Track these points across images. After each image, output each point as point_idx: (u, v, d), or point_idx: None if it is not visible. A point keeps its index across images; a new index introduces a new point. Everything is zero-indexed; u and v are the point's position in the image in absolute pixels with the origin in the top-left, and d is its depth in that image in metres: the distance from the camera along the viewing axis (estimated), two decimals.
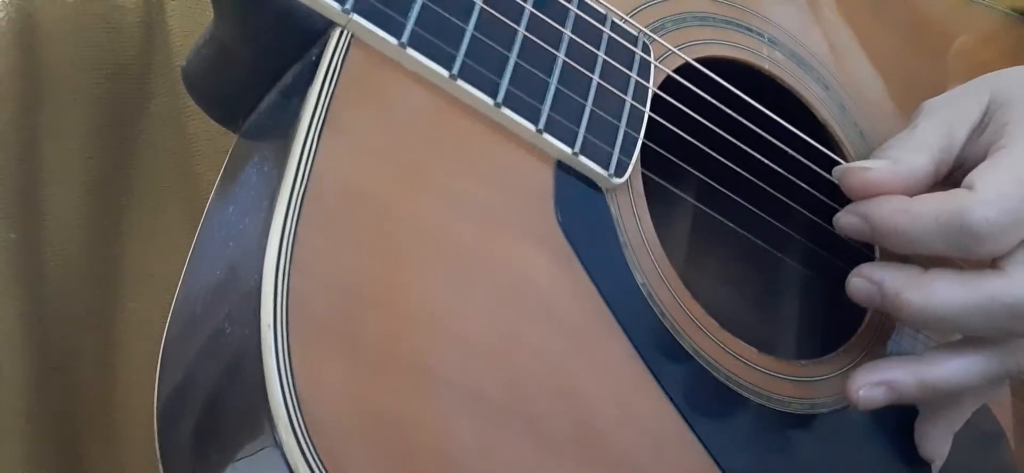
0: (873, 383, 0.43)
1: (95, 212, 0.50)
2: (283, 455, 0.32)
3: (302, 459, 0.32)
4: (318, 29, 0.37)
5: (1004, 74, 0.47)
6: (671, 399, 0.40)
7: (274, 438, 0.32)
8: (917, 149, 0.44)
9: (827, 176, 0.47)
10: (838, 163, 0.47)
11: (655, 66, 0.44)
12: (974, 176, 0.42)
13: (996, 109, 0.45)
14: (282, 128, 0.37)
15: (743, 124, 0.47)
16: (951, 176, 0.45)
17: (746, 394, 0.43)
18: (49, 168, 0.49)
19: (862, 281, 0.43)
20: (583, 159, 0.40)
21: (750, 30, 0.51)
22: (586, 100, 0.41)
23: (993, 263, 0.42)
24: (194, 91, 0.44)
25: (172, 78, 0.51)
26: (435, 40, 0.37)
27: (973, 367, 0.44)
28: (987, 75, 0.47)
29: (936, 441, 0.47)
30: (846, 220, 0.44)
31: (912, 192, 0.43)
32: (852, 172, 0.44)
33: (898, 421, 0.47)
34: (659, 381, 0.40)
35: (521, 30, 0.40)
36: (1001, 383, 0.47)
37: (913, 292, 0.42)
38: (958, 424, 0.47)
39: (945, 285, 0.42)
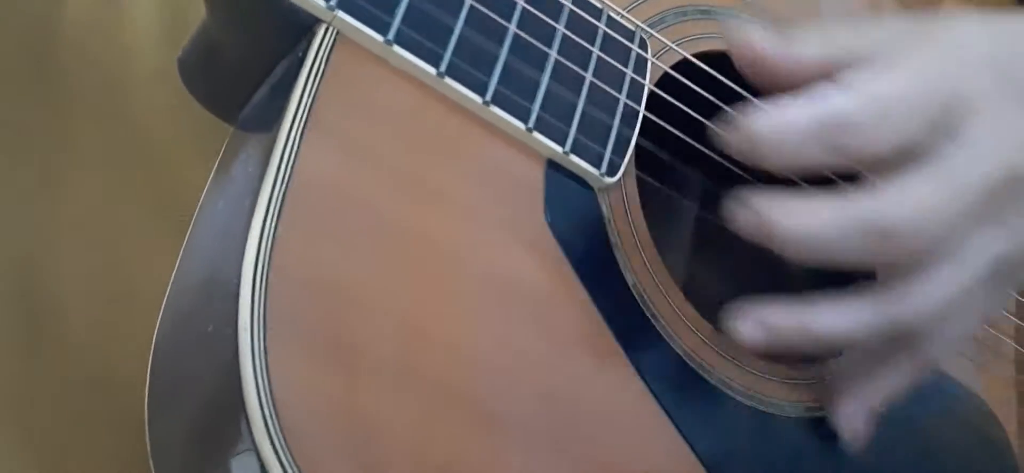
0: (753, 320, 0.40)
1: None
2: (259, 458, 0.32)
3: (277, 462, 0.32)
4: (305, 24, 0.37)
5: (953, 24, 0.42)
6: (660, 402, 0.40)
7: (251, 441, 0.32)
8: (818, 38, 0.41)
9: (826, 173, 0.46)
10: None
11: (652, 63, 0.43)
12: (845, 74, 0.38)
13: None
14: (267, 125, 0.37)
15: None
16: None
17: (739, 397, 0.42)
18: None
19: (740, 206, 0.38)
20: (574, 158, 0.40)
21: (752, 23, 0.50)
22: (578, 98, 0.40)
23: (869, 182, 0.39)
24: (190, 84, 0.43)
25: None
26: (422, 38, 0.37)
27: (852, 315, 0.40)
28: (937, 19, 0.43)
29: (848, 414, 0.43)
30: (722, 132, 0.39)
31: (791, 75, 0.39)
32: (740, 30, 0.40)
33: (896, 426, 0.46)
34: (648, 384, 0.40)
35: (512, 27, 0.39)
36: (904, 348, 0.42)
37: (779, 211, 0.37)
38: (873, 399, 0.43)
39: (813, 204, 0.38)
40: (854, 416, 0.43)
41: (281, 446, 0.32)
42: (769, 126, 0.38)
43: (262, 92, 0.40)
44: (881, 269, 0.41)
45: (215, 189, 0.40)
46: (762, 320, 0.40)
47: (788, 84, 0.40)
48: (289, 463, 0.32)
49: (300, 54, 0.37)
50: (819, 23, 0.49)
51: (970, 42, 0.40)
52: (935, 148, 0.38)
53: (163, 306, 0.39)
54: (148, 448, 0.38)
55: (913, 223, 0.38)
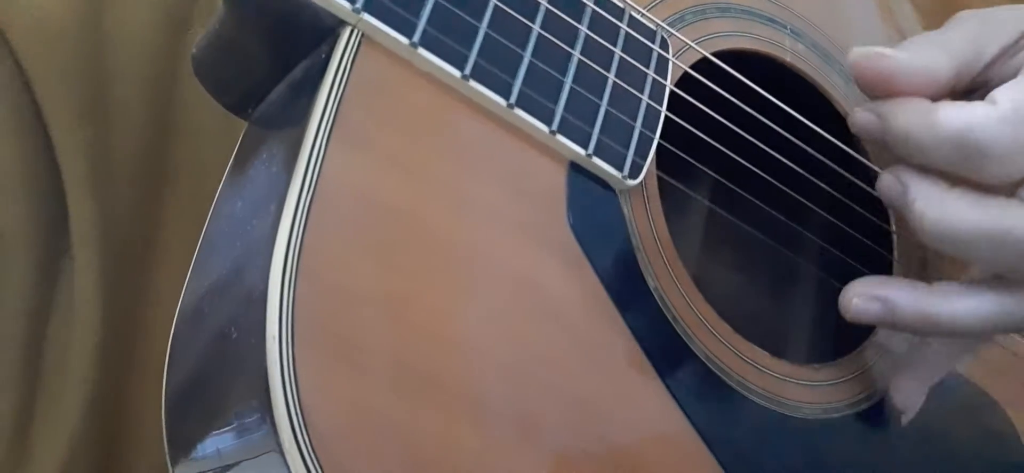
0: (870, 295, 0.41)
1: (152, 114, 0.51)
2: (286, 463, 0.32)
3: (305, 469, 0.32)
4: (328, 26, 0.37)
5: None
6: (681, 405, 0.40)
7: (277, 446, 0.32)
8: (940, 48, 0.42)
9: (847, 174, 0.46)
10: (858, 159, 0.46)
11: (673, 62, 0.43)
12: (998, 92, 0.39)
13: None
14: (291, 126, 0.36)
15: (761, 121, 0.46)
16: (974, 93, 0.42)
17: (757, 399, 0.43)
18: (113, 69, 0.50)
19: (892, 178, 0.41)
20: (597, 160, 0.40)
21: (773, 21, 0.50)
22: (601, 100, 0.40)
23: (1017, 193, 0.40)
24: (204, 79, 0.43)
25: None
26: (447, 40, 0.37)
27: (983, 309, 0.41)
28: None
29: (911, 393, 0.45)
30: (861, 116, 0.41)
31: (927, 91, 0.41)
32: (868, 55, 0.41)
33: (914, 426, 0.47)
34: (669, 387, 0.40)
35: (536, 28, 0.39)
36: (992, 337, 0.45)
37: (927, 203, 0.39)
38: (934, 379, 0.45)
39: (962, 205, 0.39)
40: (915, 394, 0.45)
41: (310, 455, 0.31)
42: (906, 119, 0.39)
43: (281, 90, 0.40)
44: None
45: (232, 187, 0.40)
46: (880, 295, 0.41)
47: (918, 95, 0.41)
48: (317, 470, 0.32)
49: (323, 56, 0.37)
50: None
51: None
52: None
53: (179, 306, 0.39)
54: (165, 441, 0.38)
55: None
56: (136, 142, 0.50)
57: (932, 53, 0.41)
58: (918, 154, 0.40)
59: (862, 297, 0.41)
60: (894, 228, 0.49)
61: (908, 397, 0.45)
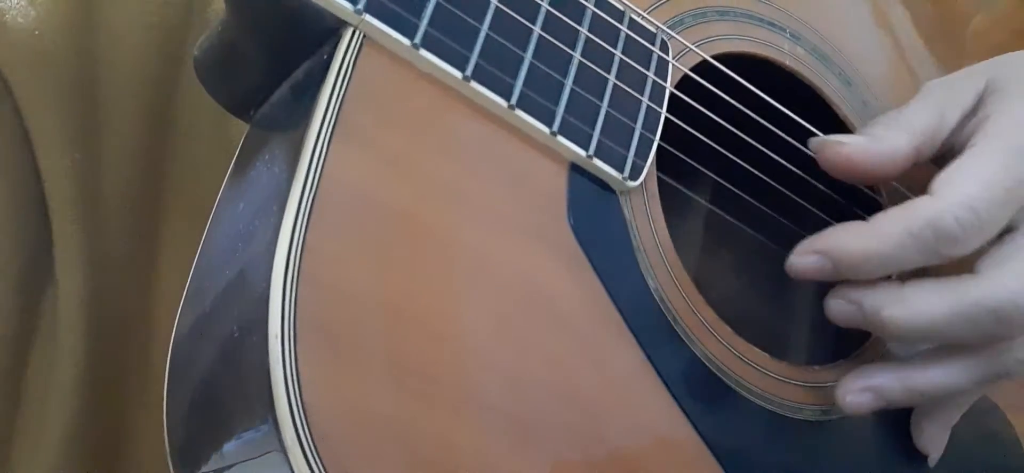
0: (860, 389, 0.43)
1: (146, 137, 0.51)
2: (288, 462, 0.32)
3: (307, 468, 0.32)
4: (330, 27, 0.37)
5: (1007, 60, 0.45)
6: (681, 405, 0.40)
7: (280, 445, 0.32)
8: (900, 128, 0.43)
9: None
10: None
11: (673, 65, 0.43)
12: (939, 180, 0.41)
13: (989, 96, 0.43)
14: (293, 127, 0.36)
15: (760, 123, 0.46)
16: (941, 159, 0.43)
17: (757, 400, 0.43)
18: (106, 92, 0.49)
19: (840, 301, 0.42)
20: (597, 162, 0.40)
21: (772, 25, 0.50)
22: (602, 101, 0.40)
23: (971, 267, 0.41)
24: (205, 80, 0.43)
25: (212, 4, 0.51)
26: (448, 41, 0.37)
27: (960, 373, 0.43)
28: (992, 59, 0.46)
29: (933, 436, 0.46)
30: (800, 261, 0.42)
31: (887, 174, 0.43)
32: (828, 145, 0.43)
33: (906, 426, 0.47)
34: (669, 387, 0.40)
35: (537, 30, 0.39)
36: (991, 384, 0.45)
37: (894, 308, 0.41)
38: (954, 419, 0.46)
39: (926, 296, 0.41)
40: (938, 437, 0.46)
41: (312, 453, 0.32)
42: (862, 248, 0.41)
43: (282, 92, 0.40)
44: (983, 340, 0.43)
45: (233, 189, 0.40)
46: (869, 386, 0.43)
47: (883, 180, 0.43)
48: (319, 468, 0.32)
49: (325, 57, 0.37)
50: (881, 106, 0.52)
51: None
52: (1022, 222, 0.42)
53: (180, 308, 0.39)
54: (166, 444, 0.38)
55: (1019, 301, 0.40)
56: (128, 167, 0.50)
57: (891, 136, 0.43)
58: (881, 267, 0.41)
59: (853, 392, 0.43)
60: None
61: (932, 440, 0.46)
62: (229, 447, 0.35)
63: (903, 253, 0.40)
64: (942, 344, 0.44)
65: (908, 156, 0.43)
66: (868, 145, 0.42)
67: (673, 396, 0.40)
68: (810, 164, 0.48)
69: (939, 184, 0.41)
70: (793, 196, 0.48)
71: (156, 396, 0.50)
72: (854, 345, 0.47)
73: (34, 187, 0.48)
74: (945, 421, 0.46)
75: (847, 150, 0.42)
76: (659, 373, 0.40)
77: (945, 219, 0.40)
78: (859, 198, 0.49)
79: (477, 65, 0.37)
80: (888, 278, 0.42)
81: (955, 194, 0.40)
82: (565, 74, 0.39)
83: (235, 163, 0.41)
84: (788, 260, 0.42)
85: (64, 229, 0.48)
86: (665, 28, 0.44)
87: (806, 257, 0.42)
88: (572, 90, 0.39)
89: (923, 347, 0.45)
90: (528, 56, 0.39)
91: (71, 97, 0.48)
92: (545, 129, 0.39)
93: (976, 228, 0.40)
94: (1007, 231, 0.42)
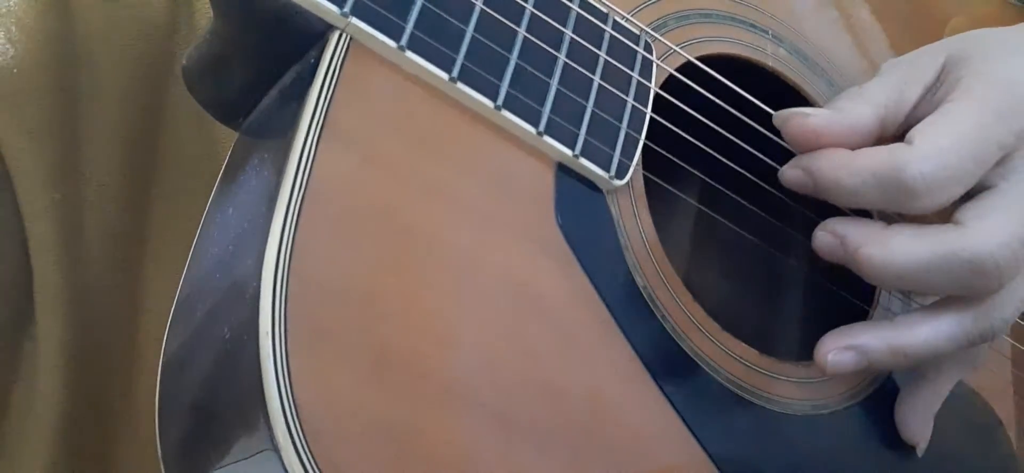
0: (842, 347, 0.43)
1: (130, 173, 0.51)
2: (281, 460, 0.32)
3: (300, 465, 0.32)
4: (317, 31, 0.37)
5: (964, 36, 0.46)
6: (671, 402, 0.40)
7: (272, 443, 0.32)
8: (863, 101, 0.43)
9: None
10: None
11: (657, 65, 0.44)
12: (915, 131, 0.42)
13: (952, 67, 0.44)
14: (281, 131, 0.37)
15: (745, 123, 0.47)
16: (902, 135, 0.44)
17: (747, 396, 0.43)
18: (88, 129, 0.49)
19: (826, 234, 0.43)
20: (584, 161, 0.40)
21: (754, 26, 0.50)
22: (587, 101, 0.41)
23: (952, 218, 0.42)
24: (194, 90, 0.43)
25: (195, 36, 0.51)
26: (434, 43, 0.37)
27: (944, 330, 0.43)
28: (948, 37, 0.46)
29: (917, 422, 0.46)
30: (789, 173, 0.43)
31: (852, 144, 0.43)
32: (793, 117, 0.43)
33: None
34: (659, 384, 0.40)
35: (522, 31, 0.40)
36: (975, 350, 0.46)
37: (874, 247, 0.41)
38: (937, 403, 0.47)
39: (905, 240, 0.41)
40: (923, 425, 0.47)
41: (304, 449, 0.32)
42: (834, 175, 0.42)
43: (271, 98, 0.40)
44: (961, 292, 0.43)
45: (223, 195, 0.40)
46: (852, 345, 0.43)
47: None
48: (311, 464, 0.32)
49: (312, 60, 0.37)
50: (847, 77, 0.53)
51: (1019, 77, 0.43)
52: (1001, 180, 0.42)
53: (172, 313, 0.39)
54: (158, 449, 0.38)
55: (998, 255, 0.41)
56: (111, 202, 0.50)
57: (854, 107, 0.43)
58: (849, 199, 0.42)
59: (835, 351, 0.43)
60: None
61: (916, 426, 0.47)
62: (222, 449, 0.35)
63: (865, 191, 0.41)
64: (927, 304, 0.44)
65: (871, 127, 0.43)
66: (832, 116, 0.43)
67: (662, 391, 0.40)
68: None
69: (915, 134, 0.41)
70: (779, 195, 0.48)
71: (142, 431, 0.50)
72: None
73: (16, 227, 0.48)
74: (926, 409, 0.46)
75: (812, 121, 0.43)
76: (647, 368, 0.40)
77: (911, 168, 0.40)
78: None
79: (463, 67, 0.38)
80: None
81: (927, 143, 0.41)
82: (550, 75, 0.40)
83: (224, 170, 0.41)
84: (781, 170, 0.44)
85: (45, 269, 0.48)
86: (649, 30, 0.44)
87: (793, 170, 0.43)
88: (558, 90, 0.40)
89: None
90: (513, 57, 0.39)
91: (52, 135, 0.48)
92: (531, 129, 0.39)
93: (942, 180, 0.40)
94: (984, 187, 0.42)
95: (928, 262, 0.41)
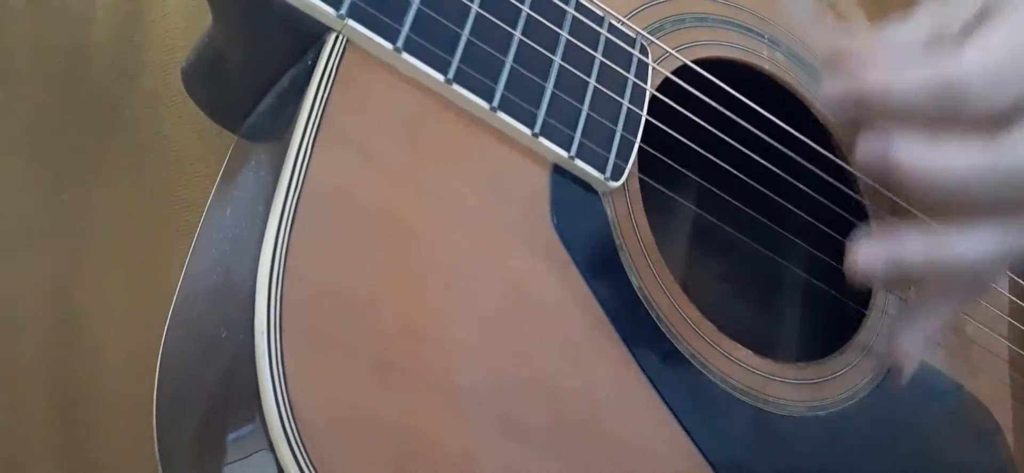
0: (877, 249, 0.41)
1: (56, 190, 0.49)
2: (276, 460, 0.32)
3: (294, 464, 0.32)
4: (314, 33, 0.37)
5: None
6: (667, 403, 0.40)
7: (268, 443, 0.32)
8: (905, 31, 0.42)
9: (826, 177, 0.47)
10: (836, 162, 0.46)
11: (653, 68, 0.44)
12: (962, 45, 0.40)
13: (991, 6, 0.42)
14: (278, 133, 0.37)
15: (741, 126, 0.47)
16: None
17: (743, 397, 0.43)
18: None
19: (869, 144, 0.40)
20: (579, 163, 0.40)
21: (750, 31, 0.51)
22: (582, 103, 0.41)
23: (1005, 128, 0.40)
24: (194, 93, 0.44)
25: (158, 60, 0.50)
26: (430, 45, 0.38)
27: (988, 242, 0.41)
28: None
29: (909, 341, 0.45)
30: (831, 89, 0.40)
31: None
32: (839, 42, 0.41)
33: (898, 423, 0.47)
34: (655, 385, 0.40)
35: (517, 34, 0.40)
36: (984, 278, 0.45)
37: (915, 153, 0.39)
38: (935, 326, 0.45)
39: (951, 148, 0.39)
40: (915, 347, 0.45)
41: (299, 448, 0.32)
42: (879, 76, 0.39)
43: (268, 100, 0.41)
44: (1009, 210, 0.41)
45: (221, 197, 0.40)
46: (888, 248, 0.41)
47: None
48: (306, 464, 0.32)
49: (309, 62, 0.37)
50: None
51: None
52: None
53: (169, 315, 0.39)
54: (156, 451, 0.38)
55: None
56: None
57: (899, 34, 0.42)
58: (897, 110, 0.40)
59: (867, 252, 0.41)
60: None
61: (907, 352, 0.45)
62: (219, 449, 0.35)
63: (917, 98, 0.39)
64: (965, 211, 0.42)
65: (916, 53, 0.41)
66: (878, 39, 0.41)
67: (658, 392, 0.40)
68: (791, 166, 0.48)
69: (963, 47, 0.40)
70: (776, 197, 0.48)
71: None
72: (840, 344, 0.48)
73: None
74: (923, 328, 0.45)
75: (860, 43, 0.41)
76: (644, 370, 0.40)
77: (963, 70, 0.39)
78: (842, 201, 0.50)
79: (459, 69, 0.38)
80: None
81: (978, 49, 0.39)
82: (546, 77, 0.40)
83: (222, 174, 0.41)
84: (821, 86, 0.41)
85: None
86: (644, 33, 0.45)
87: (836, 83, 0.40)
88: (553, 93, 0.40)
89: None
90: (509, 60, 0.39)
91: None
92: (527, 131, 0.39)
93: (997, 80, 0.39)
94: None
95: (973, 171, 0.39)
